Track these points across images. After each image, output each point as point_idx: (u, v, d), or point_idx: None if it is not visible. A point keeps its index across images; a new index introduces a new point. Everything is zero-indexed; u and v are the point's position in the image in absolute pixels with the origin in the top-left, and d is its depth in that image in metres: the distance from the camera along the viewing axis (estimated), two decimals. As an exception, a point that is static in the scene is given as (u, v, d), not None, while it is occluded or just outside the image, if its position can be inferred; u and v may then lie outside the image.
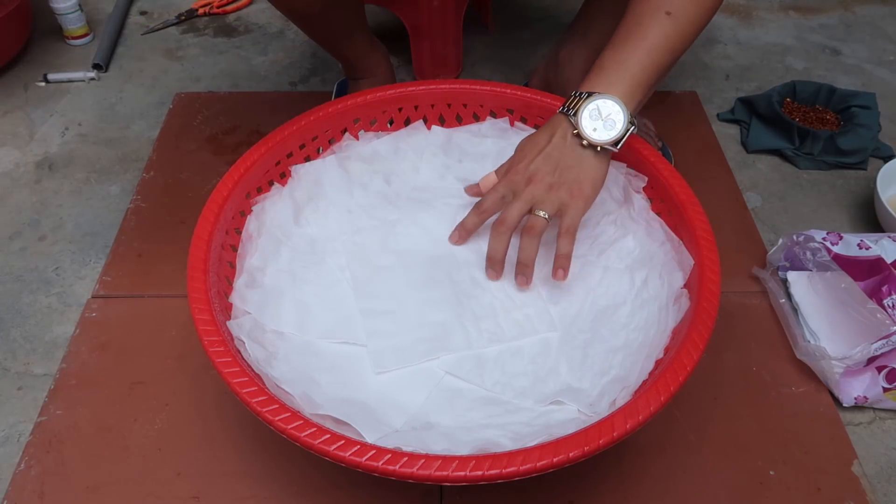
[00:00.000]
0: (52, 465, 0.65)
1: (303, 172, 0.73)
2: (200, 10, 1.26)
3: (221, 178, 0.66)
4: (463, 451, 0.51)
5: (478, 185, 0.67)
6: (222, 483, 0.63)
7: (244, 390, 0.50)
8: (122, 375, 0.71)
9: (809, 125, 0.98)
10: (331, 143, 0.76)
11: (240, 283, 0.63)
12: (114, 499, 0.63)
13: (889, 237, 0.76)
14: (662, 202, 0.68)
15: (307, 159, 0.74)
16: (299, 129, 0.72)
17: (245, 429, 0.67)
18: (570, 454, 0.47)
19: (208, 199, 0.64)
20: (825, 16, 1.28)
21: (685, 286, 0.61)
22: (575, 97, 0.61)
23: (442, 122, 0.80)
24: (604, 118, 0.60)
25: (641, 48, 0.61)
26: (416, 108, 0.78)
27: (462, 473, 0.46)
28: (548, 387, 0.59)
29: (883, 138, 0.98)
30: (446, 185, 0.75)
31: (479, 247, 0.67)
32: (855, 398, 0.69)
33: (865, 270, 0.73)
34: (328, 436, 0.47)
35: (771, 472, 0.65)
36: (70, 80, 1.11)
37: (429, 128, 0.79)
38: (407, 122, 0.79)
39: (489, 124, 0.79)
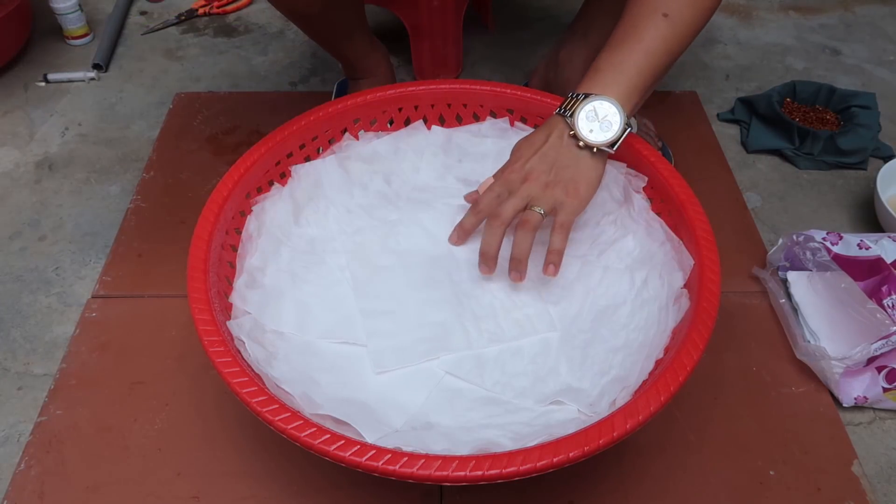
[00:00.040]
0: (52, 465, 0.65)
1: (303, 172, 0.73)
2: (200, 10, 1.26)
3: (221, 178, 0.66)
4: (463, 451, 0.51)
5: (476, 191, 0.67)
6: (222, 483, 0.63)
7: (244, 390, 0.50)
8: (122, 375, 0.71)
9: (809, 125, 0.98)
10: (331, 143, 0.76)
11: (240, 283, 0.63)
12: (114, 499, 0.63)
13: (889, 237, 0.76)
14: (662, 202, 0.68)
15: (307, 159, 0.74)
16: (299, 129, 0.72)
17: (245, 429, 0.67)
18: (570, 454, 0.47)
19: (208, 199, 0.64)
20: (825, 16, 1.28)
21: (685, 286, 0.61)
22: (571, 98, 0.62)
23: (442, 122, 0.80)
24: (600, 119, 0.60)
25: (638, 50, 0.61)
26: (416, 108, 0.78)
27: (462, 473, 0.46)
28: (548, 387, 0.59)
29: (883, 138, 0.98)
30: (446, 185, 0.75)
31: (478, 247, 0.66)
32: (855, 398, 0.69)
33: (865, 270, 0.73)
34: (328, 436, 0.47)
35: (771, 472, 0.65)
36: (70, 80, 1.11)
37: (429, 128, 0.79)
38: (407, 122, 0.79)
39: (489, 124, 0.79)
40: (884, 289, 0.70)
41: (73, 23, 1.17)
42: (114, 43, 1.19)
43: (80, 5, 1.16)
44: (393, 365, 0.60)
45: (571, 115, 0.61)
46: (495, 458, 0.46)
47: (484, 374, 0.60)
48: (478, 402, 0.58)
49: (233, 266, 0.65)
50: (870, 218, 0.89)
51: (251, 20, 1.26)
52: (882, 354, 0.67)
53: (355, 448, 0.47)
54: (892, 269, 0.71)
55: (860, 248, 0.75)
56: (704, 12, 0.63)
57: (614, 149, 0.61)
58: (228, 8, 1.28)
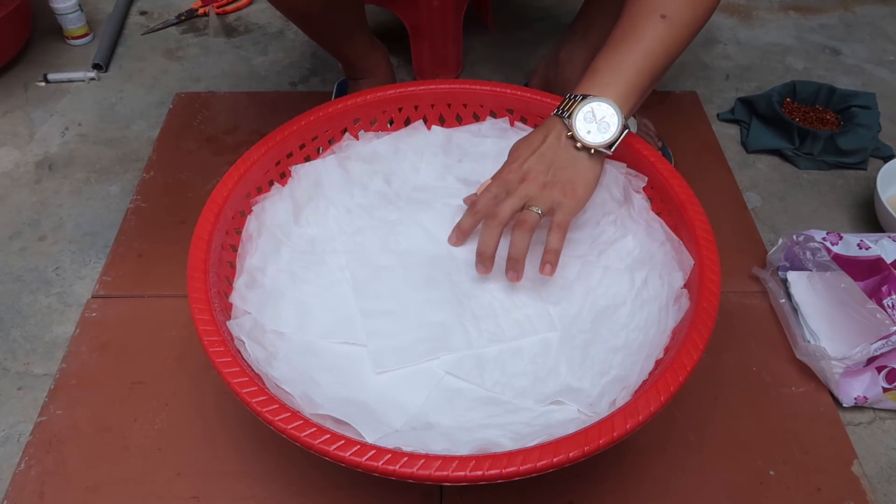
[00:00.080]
0: (52, 465, 0.65)
1: (303, 172, 0.73)
2: (200, 10, 1.26)
3: (221, 178, 0.66)
4: (463, 451, 0.51)
5: (475, 193, 0.67)
6: (222, 483, 0.63)
7: (244, 390, 0.50)
8: (122, 375, 0.71)
9: (809, 125, 0.98)
10: (331, 143, 0.76)
11: (240, 283, 0.63)
12: (114, 499, 0.63)
13: (889, 237, 0.76)
14: (662, 202, 0.68)
15: (307, 159, 0.74)
16: (299, 129, 0.72)
17: (245, 429, 0.67)
18: (570, 454, 0.47)
19: (208, 199, 0.64)
20: (825, 16, 1.28)
21: (685, 286, 0.61)
22: (569, 100, 0.62)
23: (442, 122, 0.80)
24: (598, 121, 0.60)
25: (636, 51, 0.61)
26: (416, 108, 0.78)
27: (462, 473, 0.46)
28: (548, 387, 0.59)
29: (883, 138, 0.98)
30: (446, 185, 0.75)
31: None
32: (855, 398, 0.69)
33: (865, 270, 0.73)
34: (328, 436, 0.47)
35: (771, 472, 0.65)
36: (70, 80, 1.11)
37: (429, 128, 0.79)
38: (407, 122, 0.79)
39: (489, 124, 0.79)
40: (884, 289, 0.70)
41: (73, 23, 1.17)
42: (114, 43, 1.19)
43: (80, 5, 1.16)
44: (393, 365, 0.60)
45: (569, 117, 0.61)
46: (495, 458, 0.46)
47: (484, 374, 0.60)
48: (478, 402, 0.58)
49: (233, 266, 0.65)
50: (870, 218, 0.89)
51: (251, 20, 1.26)
52: (882, 354, 0.67)
53: (355, 448, 0.47)
54: (892, 269, 0.71)
55: (860, 248, 0.75)
56: (703, 13, 0.63)
57: (612, 150, 0.61)
58: (228, 8, 1.27)
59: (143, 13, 1.28)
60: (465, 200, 0.69)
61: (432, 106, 0.79)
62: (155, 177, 0.94)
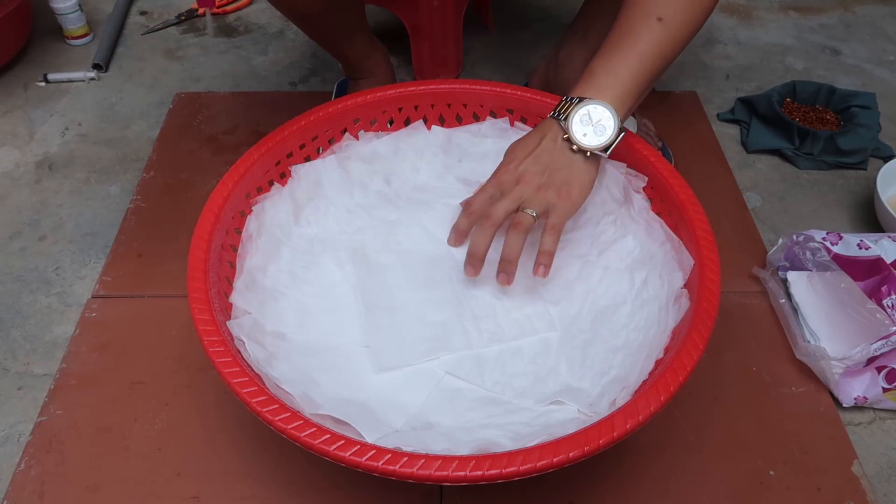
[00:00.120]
0: (52, 465, 0.65)
1: (303, 172, 0.73)
2: (200, 10, 1.26)
3: (221, 178, 0.66)
4: (463, 451, 0.51)
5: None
6: (222, 483, 0.63)
7: (244, 390, 0.50)
8: (122, 375, 0.71)
9: (809, 125, 0.98)
10: (331, 143, 0.76)
11: (240, 283, 0.63)
12: (114, 499, 0.63)
13: (889, 237, 0.76)
14: (662, 202, 0.68)
15: (307, 159, 0.74)
16: (299, 129, 0.72)
17: (245, 429, 0.67)
18: (570, 454, 0.47)
19: (208, 199, 0.64)
20: (825, 16, 1.28)
21: (685, 286, 0.61)
22: (566, 102, 0.62)
23: (442, 122, 0.80)
24: (594, 123, 0.60)
25: (633, 54, 0.61)
26: (416, 108, 0.78)
27: (462, 473, 0.46)
28: (548, 387, 0.59)
29: (883, 138, 0.98)
30: (446, 185, 0.75)
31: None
32: (855, 398, 0.69)
33: (865, 270, 0.73)
34: (328, 436, 0.47)
35: (771, 472, 0.65)
36: (70, 80, 1.11)
37: (429, 128, 0.79)
38: (407, 122, 0.79)
39: (489, 124, 0.79)
40: (883, 289, 0.70)
41: (73, 23, 1.17)
42: (114, 43, 1.19)
43: (80, 5, 1.16)
44: (393, 363, 0.60)
45: (565, 119, 0.61)
46: (495, 458, 0.46)
47: (484, 374, 0.60)
48: (478, 402, 0.58)
49: (233, 266, 0.65)
50: (870, 218, 0.89)
51: (251, 20, 1.26)
52: (882, 354, 0.67)
53: (355, 448, 0.47)
54: (892, 269, 0.71)
55: (860, 248, 0.75)
56: (699, 16, 0.63)
57: (608, 153, 0.62)
58: (228, 8, 1.28)
59: (143, 13, 1.28)
60: (461, 203, 0.68)
61: (432, 106, 0.79)
62: (155, 177, 0.94)
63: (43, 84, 1.11)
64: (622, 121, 0.61)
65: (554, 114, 0.62)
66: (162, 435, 0.67)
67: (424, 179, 0.76)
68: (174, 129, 1.02)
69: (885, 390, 0.68)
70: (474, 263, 0.62)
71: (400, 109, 0.78)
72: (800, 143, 0.97)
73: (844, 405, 0.70)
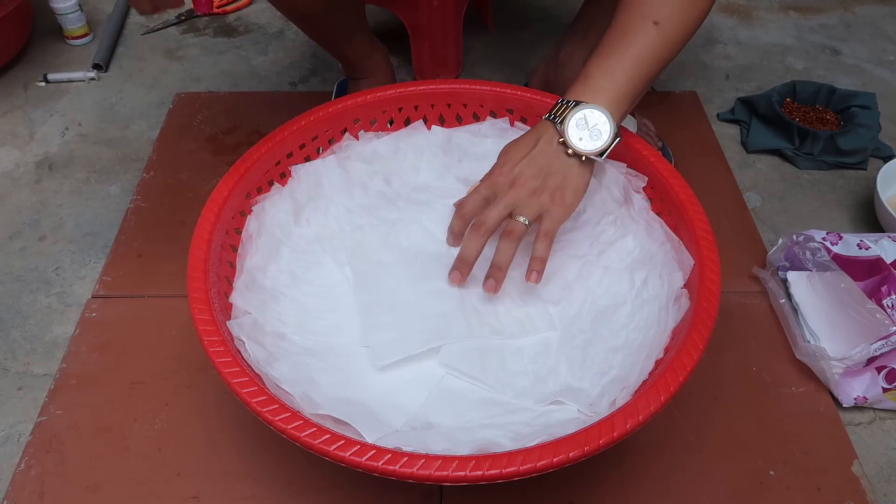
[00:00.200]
0: (52, 465, 0.65)
1: (303, 172, 0.73)
2: (198, 11, 1.26)
3: (221, 178, 0.66)
4: (463, 451, 0.51)
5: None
6: (222, 483, 0.63)
7: (244, 390, 0.50)
8: (122, 375, 0.71)
9: (809, 125, 0.98)
10: (331, 143, 0.76)
11: (240, 283, 0.63)
12: (114, 499, 0.63)
13: (889, 237, 0.76)
14: (662, 202, 0.68)
15: (307, 159, 0.74)
16: (299, 129, 0.72)
17: (245, 429, 0.67)
18: (570, 454, 0.47)
19: (208, 199, 0.64)
20: (825, 16, 1.28)
21: (685, 286, 0.61)
22: (562, 105, 0.62)
23: (442, 122, 0.80)
24: (590, 128, 0.60)
25: (628, 57, 0.61)
26: (416, 108, 0.78)
27: (462, 473, 0.46)
28: (548, 387, 0.59)
29: (883, 138, 0.98)
30: (446, 185, 0.75)
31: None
32: (855, 398, 0.69)
33: (865, 270, 0.73)
34: (328, 436, 0.47)
35: (771, 472, 0.65)
36: (70, 80, 1.11)
37: (429, 128, 0.79)
38: (407, 122, 0.79)
39: (489, 124, 0.79)
40: (883, 289, 0.70)
41: (73, 23, 1.17)
42: (114, 43, 1.19)
43: (80, 5, 1.16)
44: (392, 356, 0.60)
45: (561, 122, 0.61)
46: (495, 458, 0.46)
47: (485, 369, 0.59)
48: (478, 402, 0.58)
49: (233, 266, 0.65)
50: (870, 218, 0.89)
51: (251, 20, 1.26)
52: (882, 354, 0.67)
53: (355, 448, 0.47)
54: (892, 269, 0.71)
55: (860, 248, 0.75)
56: (695, 20, 0.63)
57: (603, 158, 0.62)
58: (228, 8, 1.28)
59: (143, 13, 1.28)
60: (454, 204, 0.68)
61: (432, 106, 0.79)
62: (155, 177, 0.94)
63: (43, 84, 1.11)
64: (618, 124, 0.61)
65: (549, 116, 0.62)
66: (162, 435, 0.67)
67: (424, 179, 0.76)
68: (174, 129, 1.02)
69: (885, 390, 0.68)
70: (462, 269, 0.62)
71: (400, 109, 0.78)
72: (800, 143, 0.97)
73: (844, 405, 0.70)
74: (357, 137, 0.77)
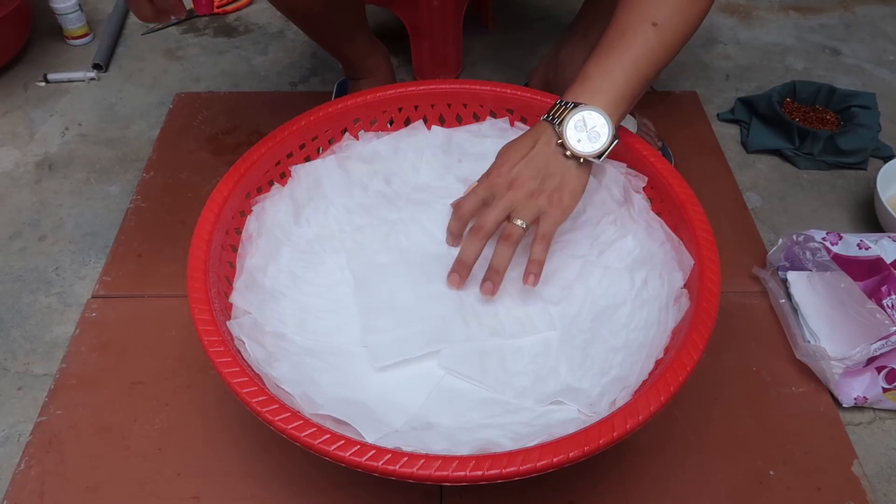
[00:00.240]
0: (52, 465, 0.65)
1: (303, 172, 0.73)
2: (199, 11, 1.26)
3: (221, 178, 0.66)
4: (463, 451, 0.51)
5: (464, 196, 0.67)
6: (222, 483, 0.63)
7: (244, 390, 0.50)
8: (122, 375, 0.71)
9: (809, 125, 0.98)
10: (331, 143, 0.76)
11: (240, 283, 0.63)
12: (114, 499, 0.63)
13: (889, 237, 0.76)
14: (662, 202, 0.68)
15: (307, 159, 0.74)
16: (299, 129, 0.72)
17: (245, 429, 0.67)
18: (570, 454, 0.47)
19: (208, 199, 0.64)
20: (825, 16, 1.28)
21: (685, 286, 0.61)
22: (560, 106, 0.62)
23: (442, 122, 0.80)
24: (588, 130, 0.60)
25: (627, 59, 0.61)
26: (416, 108, 0.78)
27: (462, 473, 0.46)
28: (548, 387, 0.59)
29: (883, 138, 0.98)
30: (446, 185, 0.75)
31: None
32: (854, 398, 0.69)
33: (865, 270, 0.73)
34: (328, 436, 0.47)
35: (771, 472, 0.65)
36: (70, 80, 1.11)
37: (429, 128, 0.79)
38: (407, 122, 0.79)
39: (489, 124, 0.79)
40: (883, 289, 0.70)
41: (73, 23, 1.17)
42: (114, 43, 1.19)
43: (80, 5, 1.16)
44: (392, 358, 0.60)
45: (560, 124, 0.61)
46: (495, 458, 0.46)
47: (485, 371, 0.59)
48: (478, 402, 0.58)
49: (233, 266, 0.65)
50: (870, 218, 0.89)
51: (251, 20, 1.26)
52: (882, 354, 0.67)
53: (355, 448, 0.47)
54: (892, 269, 0.71)
55: (860, 248, 0.75)
56: (693, 21, 0.63)
57: (601, 160, 0.62)
58: (228, 8, 1.28)
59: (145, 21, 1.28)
60: (452, 204, 0.68)
61: (432, 106, 0.79)
62: (155, 177, 0.94)
63: (43, 84, 1.11)
64: (616, 126, 0.61)
65: (548, 117, 0.62)
66: (162, 435, 0.67)
67: (424, 179, 0.76)
68: (174, 129, 1.02)
69: (885, 390, 0.68)
70: (461, 272, 0.63)
71: (400, 109, 0.78)
72: (800, 143, 0.97)
73: (844, 405, 0.70)
74: (357, 137, 0.77)
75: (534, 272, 0.61)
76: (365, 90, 0.76)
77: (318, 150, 0.75)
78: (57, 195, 0.93)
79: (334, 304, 0.65)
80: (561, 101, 0.62)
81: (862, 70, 1.15)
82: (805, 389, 0.71)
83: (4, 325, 0.78)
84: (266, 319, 0.61)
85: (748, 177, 0.96)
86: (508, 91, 0.77)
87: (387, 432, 0.53)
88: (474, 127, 0.79)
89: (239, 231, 0.67)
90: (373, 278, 0.66)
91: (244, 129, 1.01)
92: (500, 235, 0.61)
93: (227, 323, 0.58)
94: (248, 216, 0.68)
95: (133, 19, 1.26)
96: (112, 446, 0.66)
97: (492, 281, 0.61)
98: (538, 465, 0.46)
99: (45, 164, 0.97)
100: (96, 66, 1.13)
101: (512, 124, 0.78)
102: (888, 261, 0.72)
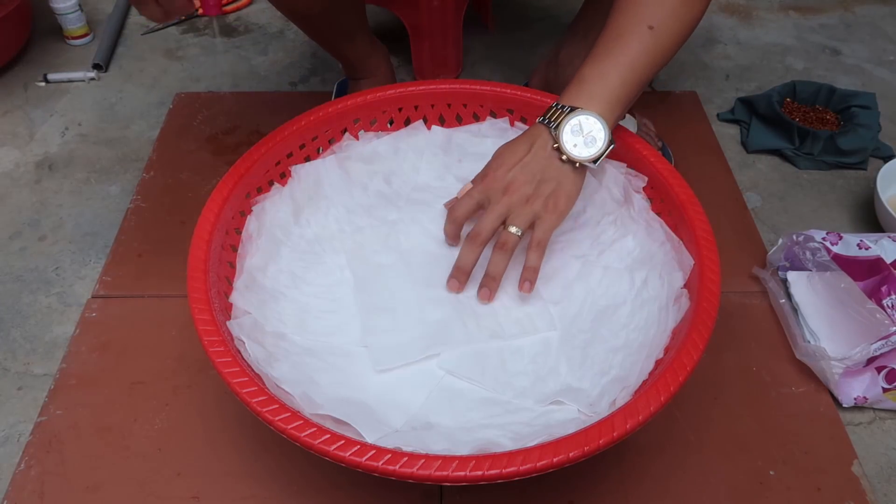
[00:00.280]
0: (52, 465, 0.65)
1: (303, 172, 0.73)
2: (200, 10, 1.26)
3: (221, 178, 0.66)
4: (463, 451, 0.51)
5: (456, 197, 0.67)
6: (222, 483, 0.63)
7: (244, 390, 0.50)
8: (122, 375, 0.71)
9: (809, 125, 0.98)
10: (331, 143, 0.76)
11: (240, 283, 0.63)
12: (114, 499, 0.63)
13: (889, 237, 0.76)
14: (662, 202, 0.68)
15: (307, 159, 0.74)
16: (299, 129, 0.72)
17: (245, 429, 0.67)
18: (570, 454, 0.47)
19: (208, 199, 0.64)
20: (825, 16, 1.28)
21: (685, 286, 0.61)
22: (556, 109, 0.62)
23: (442, 122, 0.80)
24: (584, 134, 0.60)
25: (623, 62, 0.61)
26: (416, 108, 0.78)
27: (462, 473, 0.46)
28: (548, 387, 0.59)
29: (883, 138, 0.98)
30: (446, 185, 0.75)
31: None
32: (854, 398, 0.69)
33: (865, 270, 0.73)
34: (328, 436, 0.47)
35: (771, 472, 0.65)
36: (70, 80, 1.11)
37: (429, 128, 0.79)
38: (407, 122, 0.79)
39: (489, 124, 0.79)
40: (883, 289, 0.70)
41: (73, 23, 1.17)
42: (114, 43, 1.19)
43: (80, 5, 1.16)
44: (393, 362, 0.60)
45: (556, 128, 0.61)
46: (495, 458, 0.46)
47: (485, 372, 0.59)
48: (478, 402, 0.58)
49: (233, 266, 0.65)
50: (870, 218, 0.89)
51: (251, 20, 1.26)
52: (882, 355, 0.67)
53: (355, 448, 0.47)
54: (892, 269, 0.71)
55: (860, 248, 0.75)
56: (689, 24, 0.63)
57: (596, 164, 0.62)
58: (228, 8, 1.27)
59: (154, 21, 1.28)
60: (445, 206, 0.68)
61: (432, 106, 0.79)
62: (155, 177, 0.94)
63: (43, 84, 1.11)
64: (612, 129, 0.61)
65: (544, 120, 0.62)
66: (162, 435, 0.67)
67: (424, 179, 0.76)
68: (174, 129, 1.02)
69: (885, 390, 0.68)
70: (460, 278, 0.63)
71: (400, 109, 0.78)
72: (800, 143, 0.97)
73: (844, 405, 0.70)
74: (357, 137, 0.77)
75: (529, 279, 0.61)
76: (365, 90, 0.76)
77: (318, 150, 0.75)
78: (57, 195, 0.93)
79: (334, 304, 0.65)
80: (557, 105, 0.62)
81: (862, 70, 1.15)
82: (805, 389, 0.71)
83: (4, 325, 0.78)
84: (266, 319, 0.61)
85: (748, 177, 0.96)
86: (508, 91, 0.77)
87: (387, 432, 0.53)
88: (474, 127, 0.79)
89: (239, 231, 0.67)
90: (373, 278, 0.66)
91: (244, 129, 1.01)
92: (495, 243, 0.62)
93: (227, 323, 0.58)
94: (248, 216, 0.68)
95: (133, 19, 1.26)
96: (112, 446, 0.66)
97: (488, 287, 0.62)
98: (538, 465, 0.46)
99: (45, 164, 0.97)
100: (96, 66, 1.13)
101: (512, 124, 0.78)
102: (888, 261, 0.72)
